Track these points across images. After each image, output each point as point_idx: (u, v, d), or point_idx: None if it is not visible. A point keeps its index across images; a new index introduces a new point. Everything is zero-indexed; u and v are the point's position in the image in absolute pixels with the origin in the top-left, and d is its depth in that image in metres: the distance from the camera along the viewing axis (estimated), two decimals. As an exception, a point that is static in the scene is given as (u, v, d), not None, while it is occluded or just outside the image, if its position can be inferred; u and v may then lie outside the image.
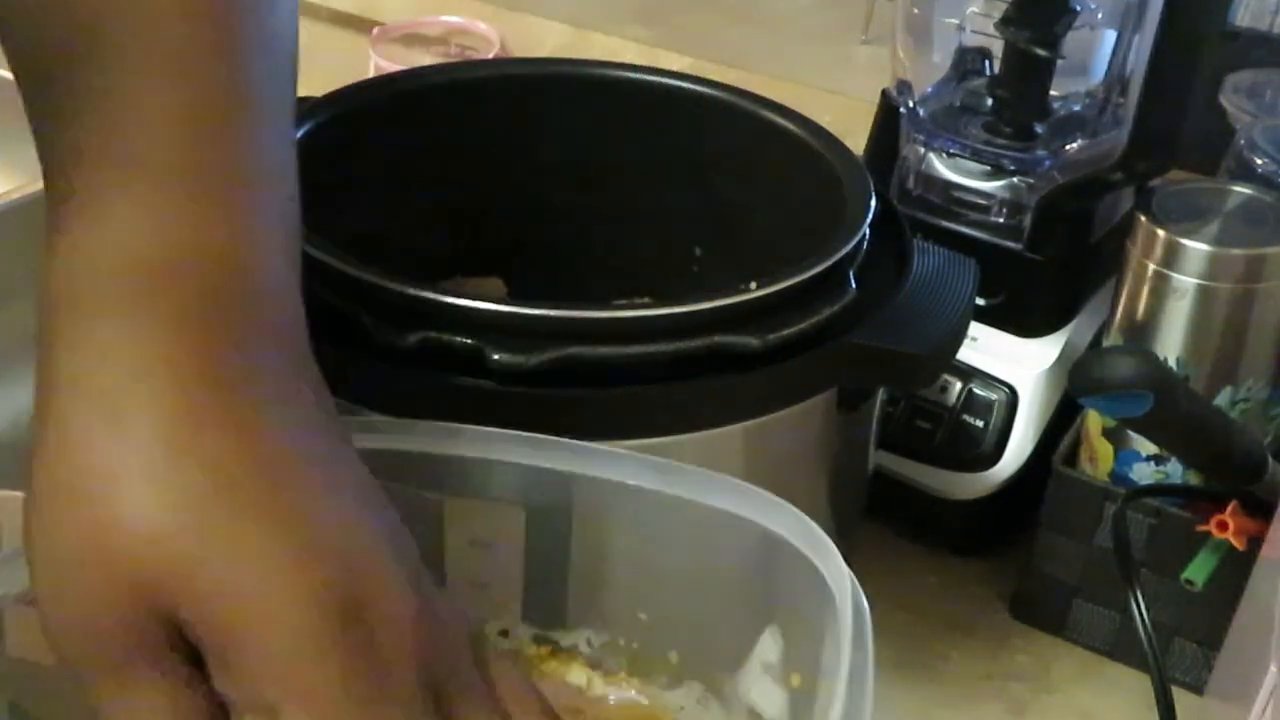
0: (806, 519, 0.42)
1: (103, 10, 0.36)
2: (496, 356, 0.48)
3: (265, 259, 0.36)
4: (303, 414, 0.35)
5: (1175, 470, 0.71)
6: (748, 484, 0.43)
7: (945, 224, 0.77)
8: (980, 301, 0.73)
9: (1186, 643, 0.71)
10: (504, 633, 0.50)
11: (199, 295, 0.34)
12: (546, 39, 1.12)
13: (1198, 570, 0.66)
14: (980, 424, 0.76)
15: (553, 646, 0.50)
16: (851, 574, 0.40)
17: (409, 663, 0.33)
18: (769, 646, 0.46)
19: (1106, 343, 0.72)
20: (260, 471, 0.33)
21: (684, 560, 0.46)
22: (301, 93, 0.64)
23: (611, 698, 0.49)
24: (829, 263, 0.53)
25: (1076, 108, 0.78)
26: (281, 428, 0.34)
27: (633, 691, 0.49)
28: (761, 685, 0.46)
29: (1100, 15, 0.75)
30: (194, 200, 0.35)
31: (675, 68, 0.72)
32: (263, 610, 0.31)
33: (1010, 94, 0.77)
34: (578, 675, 0.49)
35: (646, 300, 0.56)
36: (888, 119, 0.81)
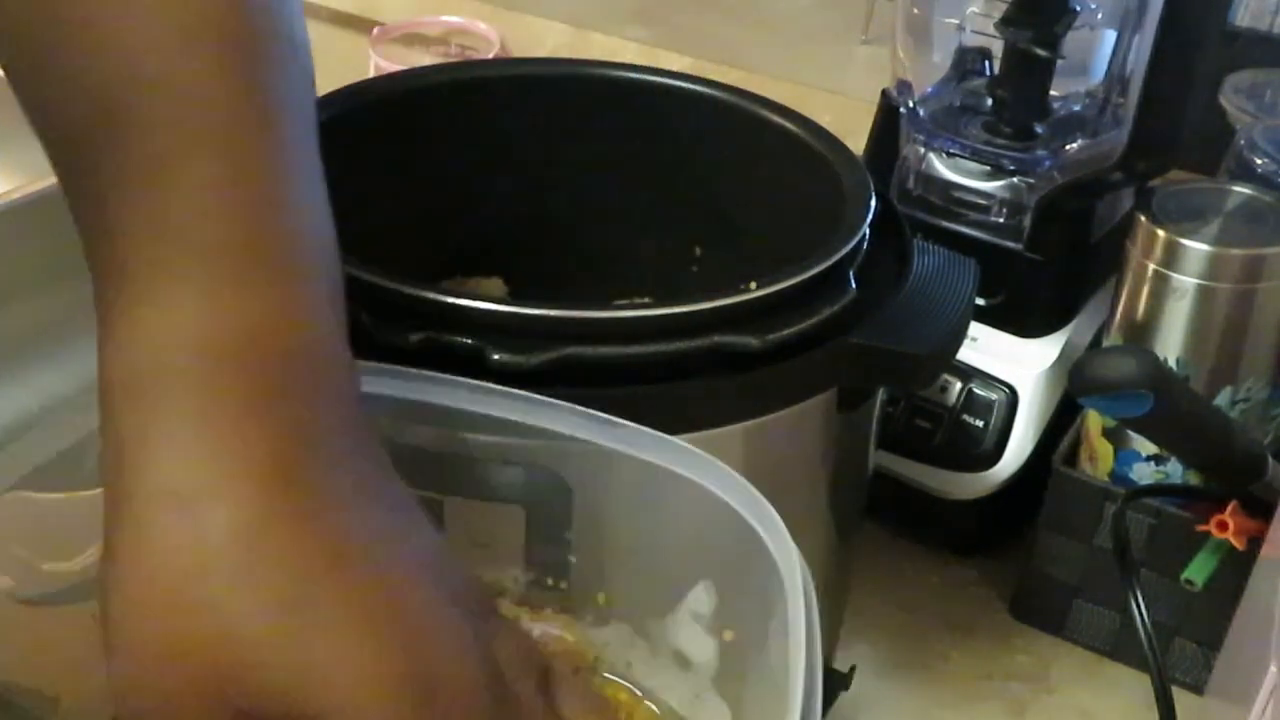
0: (752, 489, 0.43)
1: (129, 87, 0.35)
2: (496, 356, 0.48)
3: (321, 327, 0.37)
4: (373, 491, 0.36)
5: (1175, 470, 0.71)
6: (694, 447, 0.44)
7: (945, 224, 0.77)
8: (980, 301, 0.73)
9: (1186, 643, 0.71)
10: None
11: (263, 378, 0.34)
12: (546, 39, 1.12)
13: (1198, 570, 0.66)
14: (980, 424, 0.76)
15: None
16: (799, 554, 0.41)
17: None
18: (701, 599, 0.47)
19: (1106, 343, 0.72)
20: (337, 566, 0.33)
21: (622, 510, 0.47)
22: (301, 93, 0.64)
23: (536, 631, 0.49)
24: (829, 263, 0.53)
25: (1076, 108, 0.78)
26: (355, 515, 0.34)
27: (557, 628, 0.49)
28: (690, 632, 0.47)
29: (1100, 15, 0.75)
30: (247, 276, 0.35)
31: (675, 68, 0.72)
32: (347, 704, 0.32)
33: (1010, 94, 0.77)
34: (506, 610, 0.49)
35: (646, 300, 0.56)
36: (888, 119, 0.81)
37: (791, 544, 0.41)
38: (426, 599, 0.35)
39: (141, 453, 0.34)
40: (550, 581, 0.50)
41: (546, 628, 0.49)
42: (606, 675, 0.50)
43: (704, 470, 0.44)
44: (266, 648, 0.32)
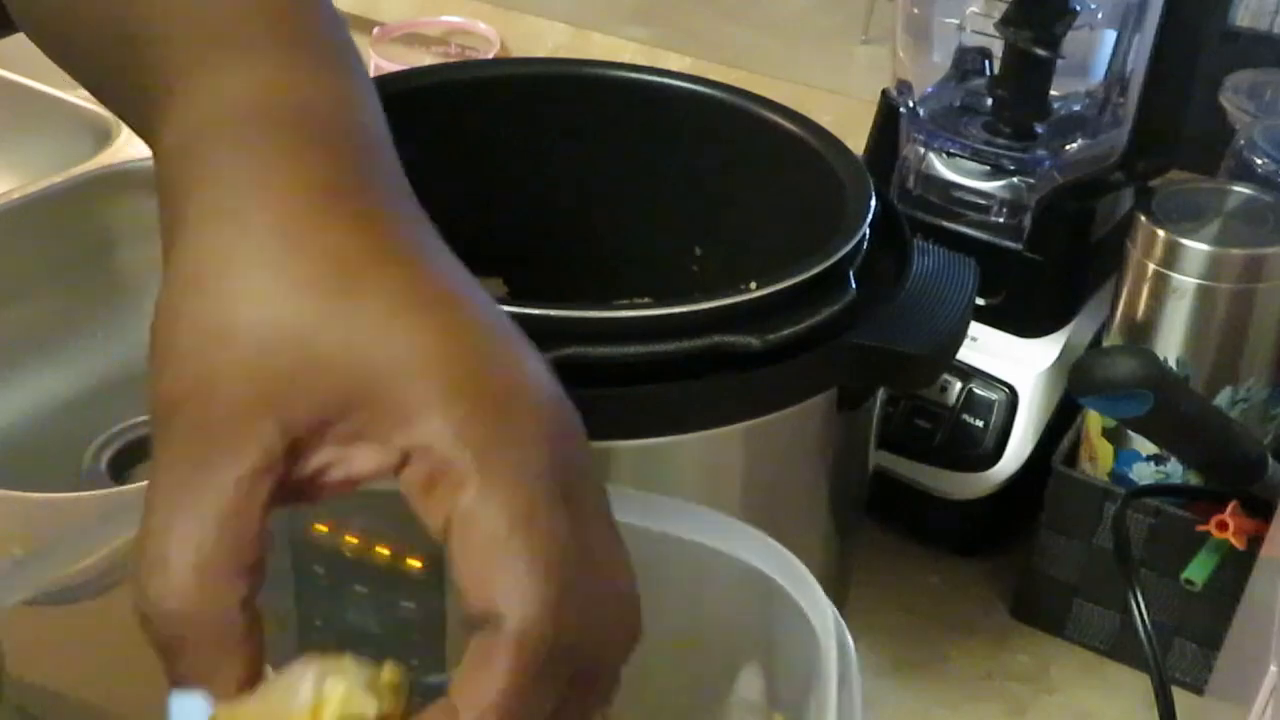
0: (785, 551, 0.40)
1: None
2: (496, 356, 0.48)
3: (369, 110, 0.37)
4: (422, 224, 0.36)
5: (1175, 470, 0.71)
6: (727, 516, 0.41)
7: (945, 224, 0.77)
8: (980, 301, 0.73)
9: (1186, 643, 0.71)
10: None
11: (318, 128, 0.35)
12: (546, 39, 1.12)
13: (1198, 570, 0.66)
14: (980, 424, 0.76)
15: None
16: (835, 610, 0.38)
17: (544, 439, 0.33)
18: (750, 684, 0.45)
19: (1106, 343, 0.72)
20: (384, 259, 0.33)
21: (660, 597, 0.45)
22: (301, 93, 0.64)
23: None
24: (829, 263, 0.53)
25: (1076, 108, 0.78)
26: (402, 224, 0.35)
27: None
28: None
29: (1100, 15, 0.75)
30: (293, 61, 0.36)
31: (675, 68, 0.72)
32: (406, 366, 0.32)
33: (1010, 94, 0.77)
34: None
35: (646, 300, 0.56)
36: (888, 119, 0.81)
37: (827, 604, 0.38)
38: (489, 301, 0.35)
39: (196, 191, 0.34)
40: None
41: None
42: None
43: (731, 536, 0.40)
44: (310, 328, 0.32)
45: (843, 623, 0.38)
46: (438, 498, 0.32)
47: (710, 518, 0.41)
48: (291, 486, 0.32)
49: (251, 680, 0.32)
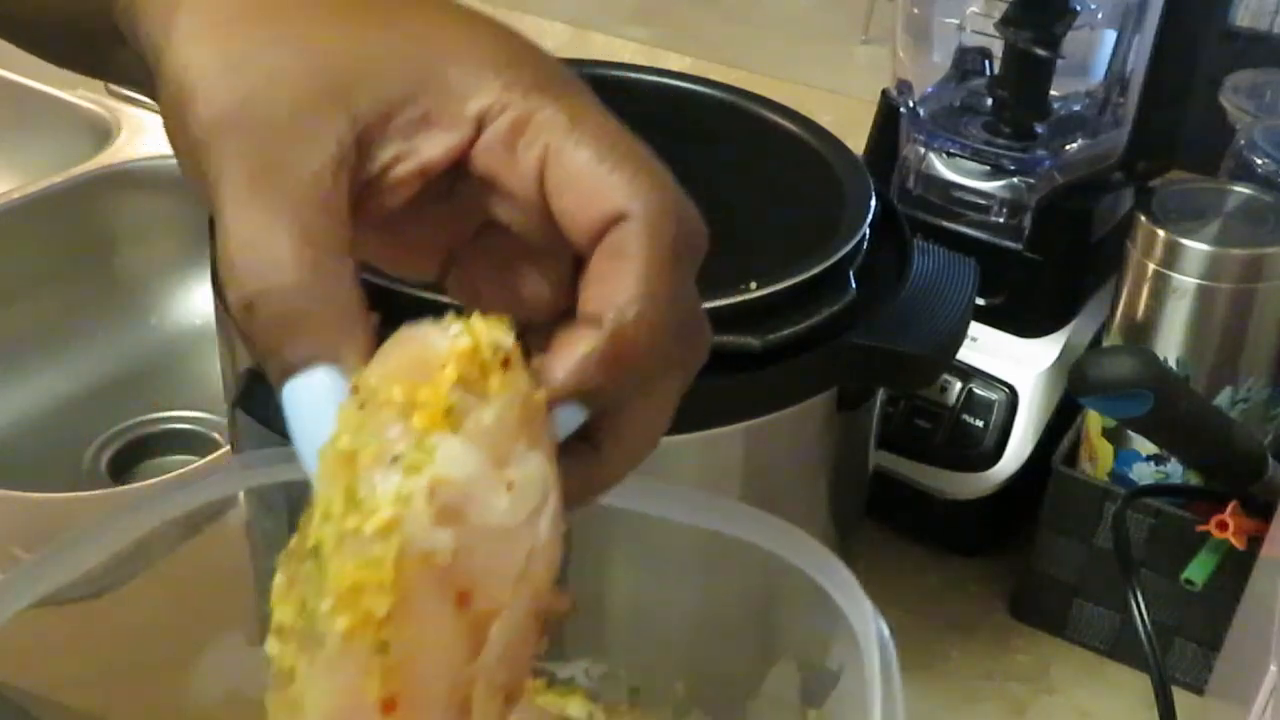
0: (822, 547, 0.40)
1: None
2: (496, 356, 0.48)
3: None
4: None
5: (1175, 470, 0.71)
6: (761, 511, 0.41)
7: (945, 224, 0.77)
8: (980, 301, 0.73)
9: (1186, 643, 0.71)
10: None
11: None
12: (546, 39, 1.12)
13: (1198, 570, 0.66)
14: (980, 424, 0.76)
15: (549, 678, 0.49)
16: (874, 609, 0.38)
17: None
18: (785, 680, 0.45)
19: (1106, 343, 0.72)
20: None
21: (688, 588, 0.45)
22: (301, 93, 0.64)
23: None
24: (829, 263, 0.53)
25: (1076, 108, 0.78)
26: None
27: None
28: (776, 718, 0.45)
29: (1100, 15, 0.75)
30: None
31: (675, 68, 0.71)
32: (463, 48, 0.32)
33: (1010, 94, 0.77)
34: (579, 708, 0.48)
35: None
36: (888, 119, 0.81)
37: (865, 599, 0.38)
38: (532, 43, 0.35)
39: None
40: (623, 673, 0.48)
41: None
42: None
43: (766, 531, 0.40)
44: (359, 34, 0.32)
45: (883, 622, 0.38)
46: (524, 146, 0.32)
47: (750, 514, 0.41)
48: (364, 186, 0.32)
49: (372, 351, 0.31)
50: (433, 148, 0.32)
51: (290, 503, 0.48)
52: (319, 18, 0.32)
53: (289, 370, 0.30)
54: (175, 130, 0.32)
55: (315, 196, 0.30)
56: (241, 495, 0.56)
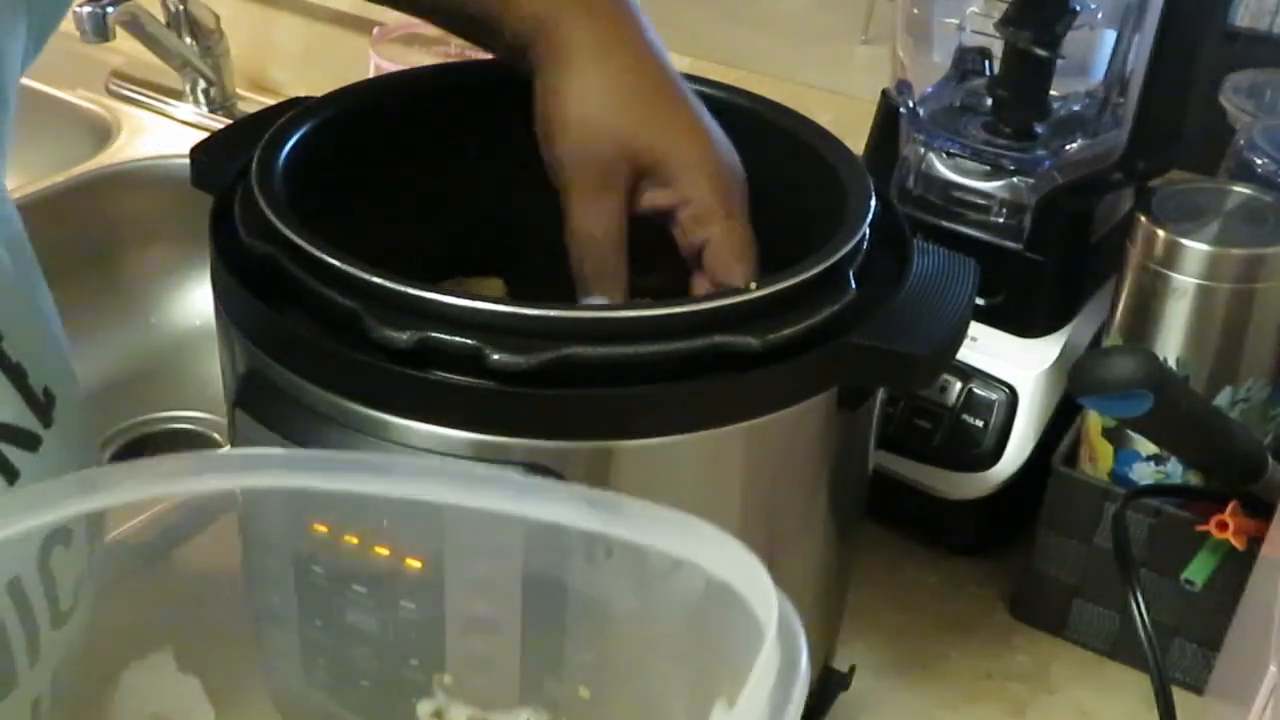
0: (749, 554, 0.34)
1: None
2: (496, 356, 0.48)
3: None
4: (672, 67, 0.61)
5: (1175, 470, 0.71)
6: (691, 516, 0.35)
7: (945, 224, 0.77)
8: (980, 301, 0.73)
9: (1186, 643, 0.71)
10: (437, 715, 0.49)
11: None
12: (546, 39, 1.12)
13: (1198, 570, 0.66)
14: (980, 424, 0.76)
15: None
16: (787, 603, 0.33)
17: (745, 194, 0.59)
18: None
19: (1106, 343, 0.72)
20: (664, 85, 0.59)
21: (627, 628, 0.43)
22: (301, 93, 0.64)
23: None
24: (829, 263, 0.53)
25: (1076, 108, 0.78)
26: (667, 67, 0.60)
27: None
28: None
29: (1100, 15, 0.75)
30: None
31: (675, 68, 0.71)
32: (685, 155, 0.57)
33: (1010, 94, 0.77)
34: None
35: (646, 300, 0.56)
36: (888, 119, 0.81)
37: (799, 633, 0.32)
38: (705, 110, 0.59)
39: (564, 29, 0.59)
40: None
41: None
42: None
43: (698, 541, 0.35)
44: (632, 125, 0.57)
45: (795, 615, 0.33)
46: (698, 228, 0.57)
47: (664, 516, 0.36)
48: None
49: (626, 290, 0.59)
50: (661, 198, 0.58)
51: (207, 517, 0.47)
52: (635, 103, 0.58)
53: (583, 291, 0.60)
54: (541, 129, 0.59)
55: (621, 212, 0.58)
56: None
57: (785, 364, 0.51)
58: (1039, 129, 0.77)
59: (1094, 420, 0.73)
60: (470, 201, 0.69)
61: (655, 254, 0.57)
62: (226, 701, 0.51)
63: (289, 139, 0.58)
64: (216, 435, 1.01)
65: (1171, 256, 0.67)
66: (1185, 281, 0.67)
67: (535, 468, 0.49)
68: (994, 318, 0.77)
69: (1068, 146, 0.77)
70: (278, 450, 0.48)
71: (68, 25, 0.74)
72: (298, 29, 1.25)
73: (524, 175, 0.69)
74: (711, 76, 0.68)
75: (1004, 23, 0.75)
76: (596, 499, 0.37)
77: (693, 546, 0.35)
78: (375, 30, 1.13)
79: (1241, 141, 0.77)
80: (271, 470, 0.40)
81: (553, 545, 0.37)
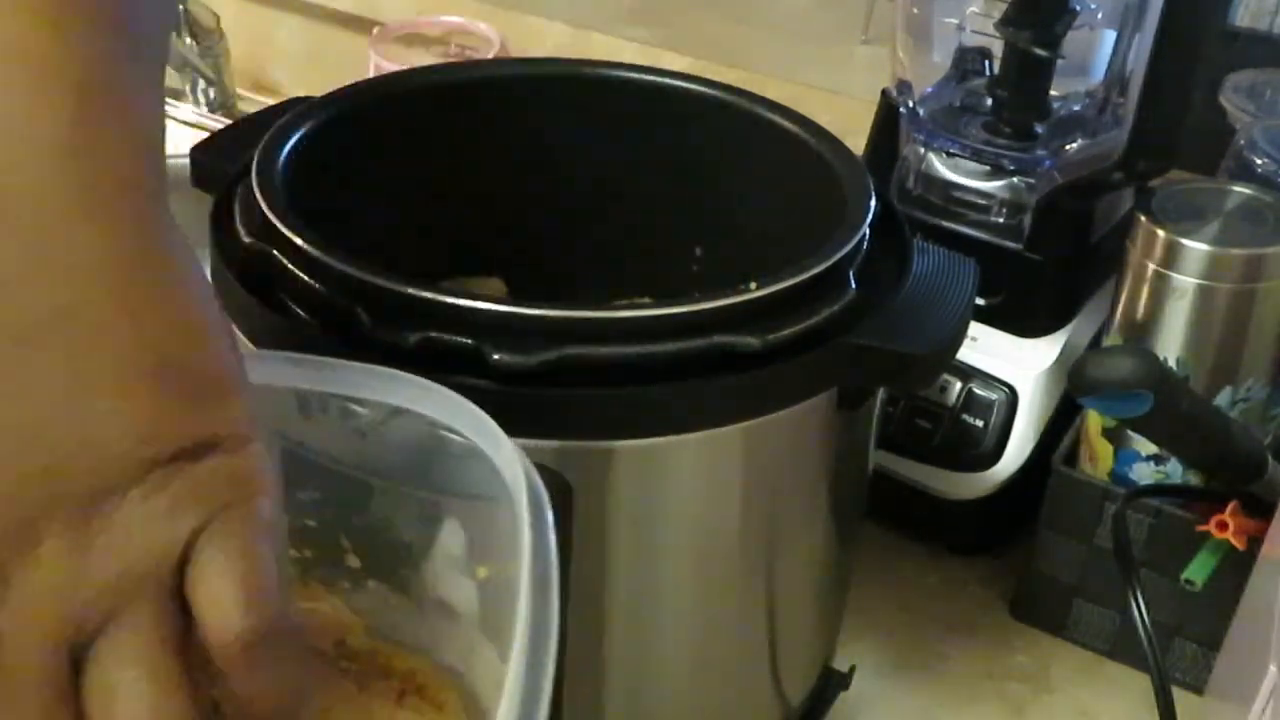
0: (470, 405, 0.42)
1: None
2: (496, 356, 0.48)
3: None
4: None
5: (1175, 470, 0.71)
6: (402, 372, 0.43)
7: (945, 224, 0.77)
8: (980, 301, 0.73)
9: (1186, 643, 0.71)
10: None
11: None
12: (546, 39, 1.12)
13: (1198, 570, 0.66)
14: (980, 424, 0.76)
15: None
16: (524, 456, 0.40)
17: None
18: (452, 539, 0.45)
19: (1106, 343, 0.72)
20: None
21: (347, 459, 0.46)
22: (301, 93, 0.64)
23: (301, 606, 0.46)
24: (829, 263, 0.53)
25: (1076, 108, 0.78)
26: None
27: (307, 600, 0.47)
28: (449, 578, 0.45)
29: (1100, 15, 0.75)
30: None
31: (675, 68, 0.71)
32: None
33: (1010, 94, 0.77)
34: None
35: (646, 300, 0.56)
36: (888, 119, 0.81)
37: (516, 454, 0.39)
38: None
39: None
40: (294, 553, 0.47)
41: (304, 604, 0.46)
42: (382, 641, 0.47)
43: (419, 396, 0.42)
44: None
45: (533, 467, 0.39)
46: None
47: (380, 374, 0.43)
48: None
49: None
50: None
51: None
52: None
53: None
54: None
55: None
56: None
57: (785, 364, 0.51)
58: (1039, 129, 0.77)
59: (1094, 420, 0.73)
60: (470, 201, 0.69)
61: (652, 266, 0.57)
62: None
63: (289, 139, 0.58)
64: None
65: (1171, 256, 0.67)
66: (1185, 281, 0.67)
67: (535, 467, 0.48)
68: (994, 318, 0.77)
69: (1068, 147, 0.77)
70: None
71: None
72: (298, 29, 1.25)
73: (524, 175, 0.69)
74: (711, 76, 0.68)
75: (1004, 23, 0.75)
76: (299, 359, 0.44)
77: (414, 398, 0.42)
78: (375, 30, 1.13)
79: (1241, 141, 0.77)
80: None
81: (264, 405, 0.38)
